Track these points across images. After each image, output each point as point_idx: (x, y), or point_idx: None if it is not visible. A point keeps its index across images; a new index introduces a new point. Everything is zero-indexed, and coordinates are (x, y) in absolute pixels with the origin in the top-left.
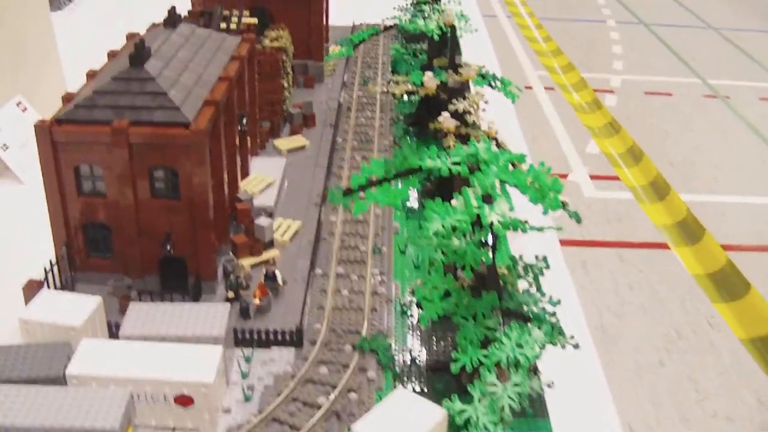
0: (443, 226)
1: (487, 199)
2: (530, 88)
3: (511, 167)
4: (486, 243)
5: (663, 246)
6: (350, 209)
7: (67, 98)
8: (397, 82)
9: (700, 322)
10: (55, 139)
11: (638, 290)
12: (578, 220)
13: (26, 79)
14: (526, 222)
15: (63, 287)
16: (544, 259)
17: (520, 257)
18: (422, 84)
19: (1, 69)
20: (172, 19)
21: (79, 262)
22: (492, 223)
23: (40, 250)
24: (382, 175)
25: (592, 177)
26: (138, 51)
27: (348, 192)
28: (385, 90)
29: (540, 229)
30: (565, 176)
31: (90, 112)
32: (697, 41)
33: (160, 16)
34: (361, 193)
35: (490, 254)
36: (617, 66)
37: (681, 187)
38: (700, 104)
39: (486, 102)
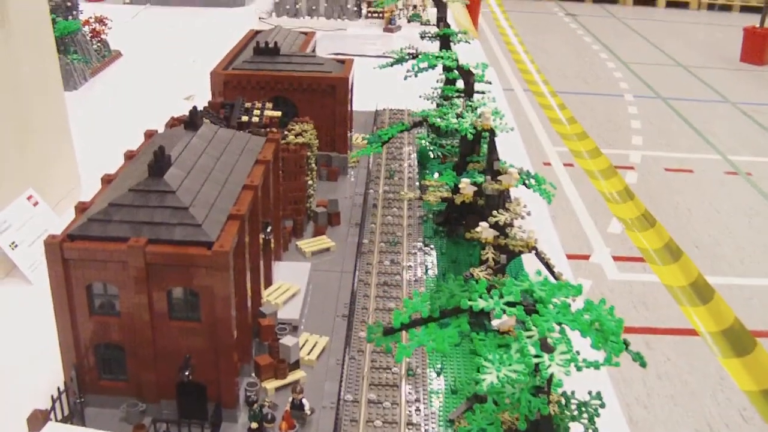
0: (498, 379)
1: (546, 346)
2: (548, 164)
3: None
4: (541, 388)
5: (691, 332)
6: (392, 354)
7: (81, 208)
8: (430, 187)
9: (732, 414)
10: (66, 256)
11: (667, 380)
12: (643, 364)
13: (37, 168)
14: (583, 361)
15: (71, 413)
16: (598, 395)
17: (572, 393)
18: (457, 190)
19: (11, 160)
20: (194, 121)
21: (89, 384)
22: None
23: (48, 360)
24: (427, 314)
25: (615, 258)
26: (157, 160)
27: (389, 332)
28: (419, 197)
29: (597, 366)
30: (586, 257)
31: (104, 228)
32: (715, 116)
33: (176, 98)
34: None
35: (546, 402)
36: (636, 141)
37: (708, 270)
38: (721, 181)
39: (528, 214)
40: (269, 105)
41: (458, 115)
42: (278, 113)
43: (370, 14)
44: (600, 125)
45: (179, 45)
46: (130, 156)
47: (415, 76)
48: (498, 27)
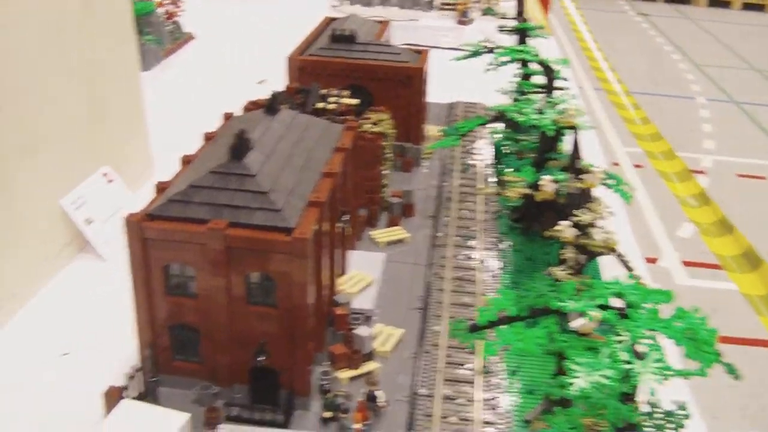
0: (588, 384)
1: (636, 352)
2: (617, 164)
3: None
4: (628, 395)
5: (766, 343)
6: (472, 350)
7: (161, 187)
8: (509, 183)
9: None
10: (145, 235)
11: (737, 391)
12: (737, 377)
13: (112, 146)
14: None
15: (146, 391)
16: (683, 406)
17: (658, 402)
18: (536, 186)
19: (88, 137)
20: (273, 106)
21: (163, 364)
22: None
23: (121, 337)
24: (515, 312)
25: (685, 263)
26: (238, 143)
27: (475, 329)
28: (498, 192)
29: (686, 375)
30: (654, 261)
31: (184, 208)
32: None
33: (248, 81)
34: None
35: (634, 409)
36: (708, 145)
37: None
38: None
39: (611, 214)
40: (346, 93)
41: (539, 111)
42: (356, 101)
43: (443, 6)
44: (670, 127)
45: (251, 29)
46: (209, 137)
47: (496, 69)
48: (571, 23)
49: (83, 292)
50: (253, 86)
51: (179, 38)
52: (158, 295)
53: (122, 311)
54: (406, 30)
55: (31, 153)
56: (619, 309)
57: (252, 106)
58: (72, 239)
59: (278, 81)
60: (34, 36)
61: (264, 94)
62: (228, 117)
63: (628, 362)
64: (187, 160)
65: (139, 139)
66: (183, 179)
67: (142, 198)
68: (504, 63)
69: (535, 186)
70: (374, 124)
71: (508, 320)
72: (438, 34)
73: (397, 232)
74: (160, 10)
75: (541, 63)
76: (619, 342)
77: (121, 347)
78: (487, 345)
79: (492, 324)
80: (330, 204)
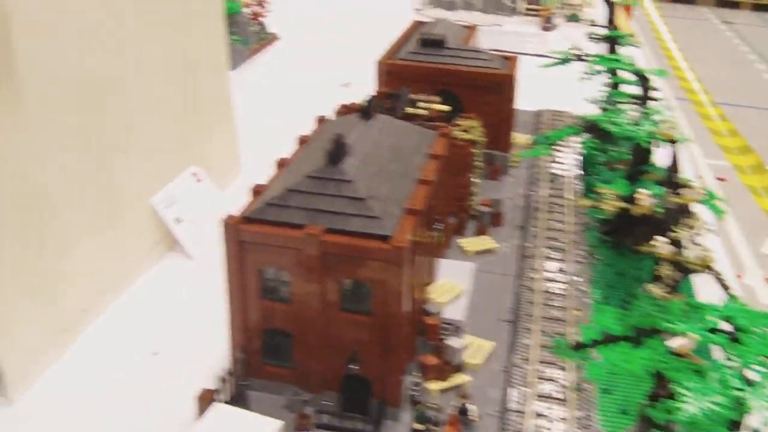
0: (698, 410)
1: (746, 379)
2: (701, 177)
3: None
4: (736, 423)
5: None
6: (584, 368)
7: (257, 191)
8: (604, 195)
9: None
10: (242, 238)
11: None
12: None
13: (202, 146)
14: None
15: (236, 395)
16: None
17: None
18: (631, 199)
19: (180, 135)
20: (369, 110)
21: (253, 368)
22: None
23: (208, 339)
24: (620, 331)
25: None
26: (335, 148)
27: (579, 347)
28: (593, 205)
29: None
30: (737, 278)
31: (281, 212)
32: None
33: (332, 83)
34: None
35: None
36: None
37: None
38: None
39: (709, 230)
40: (436, 98)
41: (633, 122)
42: (447, 108)
43: (527, 11)
44: (755, 140)
45: (334, 31)
46: (302, 140)
47: (590, 79)
48: (654, 31)
49: (172, 292)
50: (336, 88)
51: (264, 39)
52: (252, 298)
53: (211, 312)
54: (488, 35)
55: (127, 150)
56: (728, 333)
57: (344, 110)
58: (161, 238)
59: (363, 84)
60: (134, 34)
61: (349, 97)
62: (321, 120)
63: (740, 389)
64: (282, 163)
65: (227, 139)
66: (279, 183)
67: (230, 198)
68: (599, 72)
69: (629, 199)
70: (465, 131)
71: (613, 339)
72: (521, 40)
73: (486, 242)
74: (246, 11)
75: (637, 73)
76: (730, 367)
77: (210, 348)
78: (592, 366)
79: (596, 343)
80: (425, 212)
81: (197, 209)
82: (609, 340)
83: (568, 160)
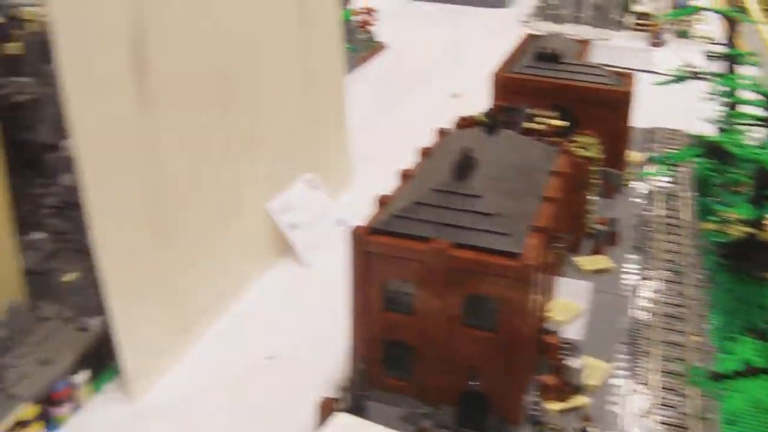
0: None
1: None
2: None
3: None
4: None
5: None
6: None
7: (382, 201)
8: (728, 219)
9: None
10: (368, 249)
11: None
12: None
13: (317, 153)
14: None
15: (355, 405)
16: None
17: None
18: (759, 224)
19: (296, 142)
20: (493, 124)
21: (373, 379)
22: None
23: (322, 346)
24: (762, 363)
25: None
26: (463, 162)
27: (719, 377)
28: (716, 229)
29: None
30: None
31: (407, 225)
32: None
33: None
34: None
35: None
36: None
37: None
38: None
39: None
40: (553, 114)
41: (758, 145)
42: (565, 123)
43: (636, 26)
44: None
45: (441, 41)
46: (425, 152)
47: (714, 99)
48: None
49: (285, 298)
50: (445, 99)
51: (372, 47)
52: (375, 309)
53: (324, 320)
54: (596, 49)
55: (248, 155)
56: None
57: (463, 122)
58: (275, 243)
59: (472, 95)
60: (260, 43)
61: (459, 108)
62: (442, 132)
63: None
64: (405, 175)
65: (341, 147)
66: (405, 195)
67: (342, 207)
68: (723, 93)
69: (756, 224)
70: (583, 147)
71: (754, 372)
72: (629, 55)
73: (602, 261)
74: (355, 19)
75: (765, 94)
76: None
77: (324, 356)
78: (731, 398)
79: (737, 374)
80: (550, 230)
81: (311, 216)
82: (750, 372)
83: (681, 178)
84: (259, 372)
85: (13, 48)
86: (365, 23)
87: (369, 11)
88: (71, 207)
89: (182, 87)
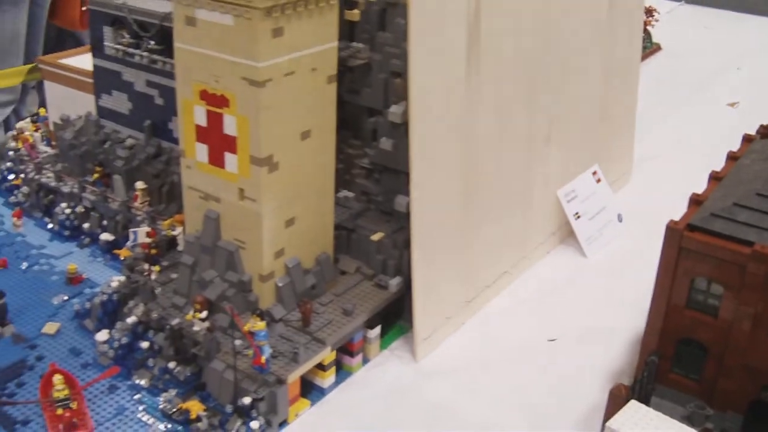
0: None
1: None
2: None
3: None
4: None
5: None
6: None
7: (695, 200)
8: None
9: None
10: (682, 244)
11: None
12: None
13: (604, 146)
14: None
15: (640, 398)
16: None
17: None
18: None
19: (589, 133)
20: None
21: (659, 374)
22: None
23: (602, 334)
24: None
25: None
26: None
27: None
28: None
29: None
30: None
31: (727, 225)
32: None
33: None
34: None
35: None
36: None
37: None
38: None
39: None
40: None
41: None
42: None
43: None
44: None
45: (718, 47)
46: (732, 156)
47: None
48: None
49: (564, 283)
50: (721, 107)
51: (647, 48)
52: (678, 306)
53: (603, 309)
54: None
55: (547, 142)
56: None
57: (764, 130)
58: (557, 229)
59: (749, 106)
60: (572, 29)
61: (736, 117)
62: (749, 138)
63: None
64: (715, 176)
65: (626, 142)
66: (720, 196)
67: (621, 202)
68: None
69: None
70: None
71: None
72: None
73: None
74: None
75: None
76: None
77: (605, 345)
78: None
79: None
80: None
81: (593, 208)
82: None
83: None
84: (540, 352)
85: (352, 15)
86: (645, 23)
87: (650, 11)
88: (382, 170)
89: (501, 67)
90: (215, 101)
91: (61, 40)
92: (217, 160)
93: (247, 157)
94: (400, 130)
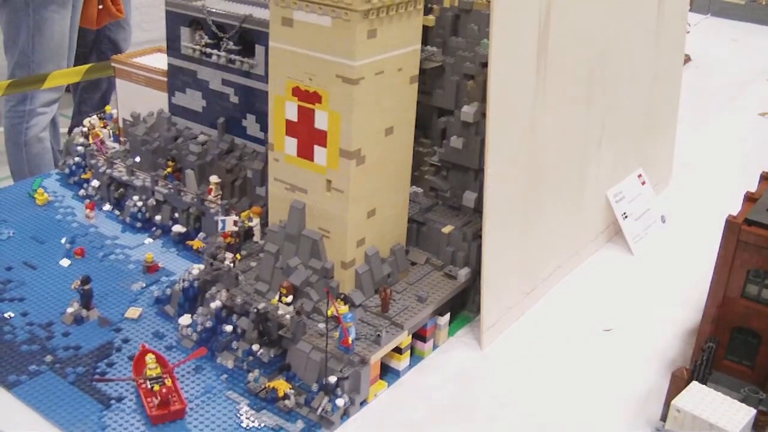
0: None
1: None
2: None
3: None
4: None
5: None
6: None
7: (749, 197)
8: None
9: None
10: (740, 237)
11: None
12: None
13: (649, 148)
14: None
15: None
16: None
17: None
18: None
19: (636, 136)
20: None
21: (714, 361)
22: None
23: (652, 326)
24: None
25: None
26: None
27: None
28: None
29: None
30: None
31: None
32: None
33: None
34: None
35: None
36: None
37: None
38: None
39: None
40: None
41: None
42: None
43: None
44: None
45: (746, 59)
46: None
47: None
48: None
49: (613, 278)
50: (753, 117)
51: None
52: (734, 296)
53: (652, 303)
54: None
55: (599, 144)
56: None
57: None
58: (605, 228)
59: None
60: (626, 35)
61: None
62: None
63: None
64: (766, 177)
65: (667, 147)
66: None
67: (663, 203)
68: None
69: None
70: None
71: None
72: None
73: None
74: None
75: None
76: None
77: (657, 335)
78: None
79: None
80: None
81: (639, 208)
82: None
83: None
84: (597, 341)
85: (427, 20)
86: None
87: None
88: (451, 168)
89: (565, 72)
90: (307, 97)
91: (98, 41)
92: (306, 153)
93: (336, 150)
94: (471, 130)
